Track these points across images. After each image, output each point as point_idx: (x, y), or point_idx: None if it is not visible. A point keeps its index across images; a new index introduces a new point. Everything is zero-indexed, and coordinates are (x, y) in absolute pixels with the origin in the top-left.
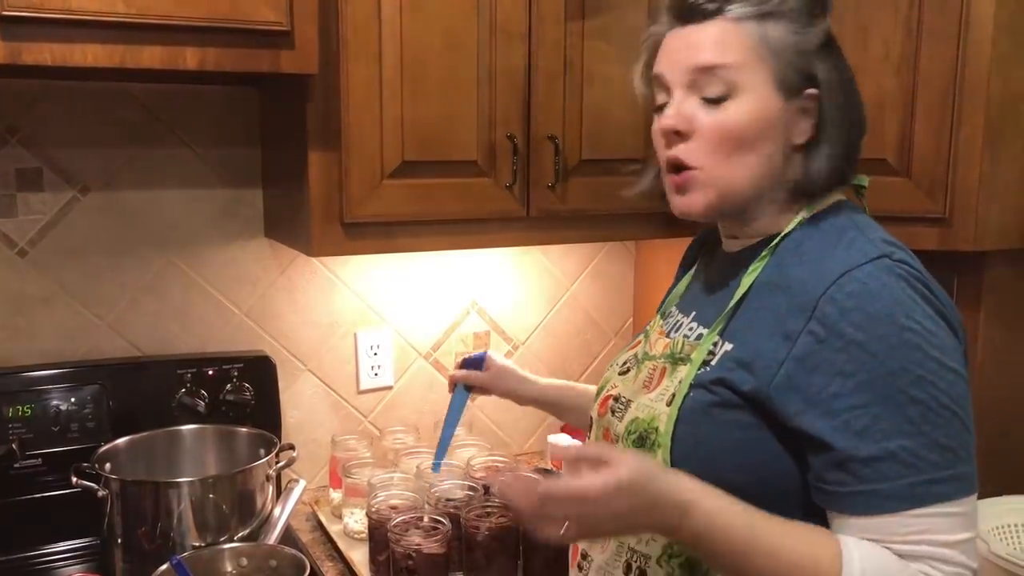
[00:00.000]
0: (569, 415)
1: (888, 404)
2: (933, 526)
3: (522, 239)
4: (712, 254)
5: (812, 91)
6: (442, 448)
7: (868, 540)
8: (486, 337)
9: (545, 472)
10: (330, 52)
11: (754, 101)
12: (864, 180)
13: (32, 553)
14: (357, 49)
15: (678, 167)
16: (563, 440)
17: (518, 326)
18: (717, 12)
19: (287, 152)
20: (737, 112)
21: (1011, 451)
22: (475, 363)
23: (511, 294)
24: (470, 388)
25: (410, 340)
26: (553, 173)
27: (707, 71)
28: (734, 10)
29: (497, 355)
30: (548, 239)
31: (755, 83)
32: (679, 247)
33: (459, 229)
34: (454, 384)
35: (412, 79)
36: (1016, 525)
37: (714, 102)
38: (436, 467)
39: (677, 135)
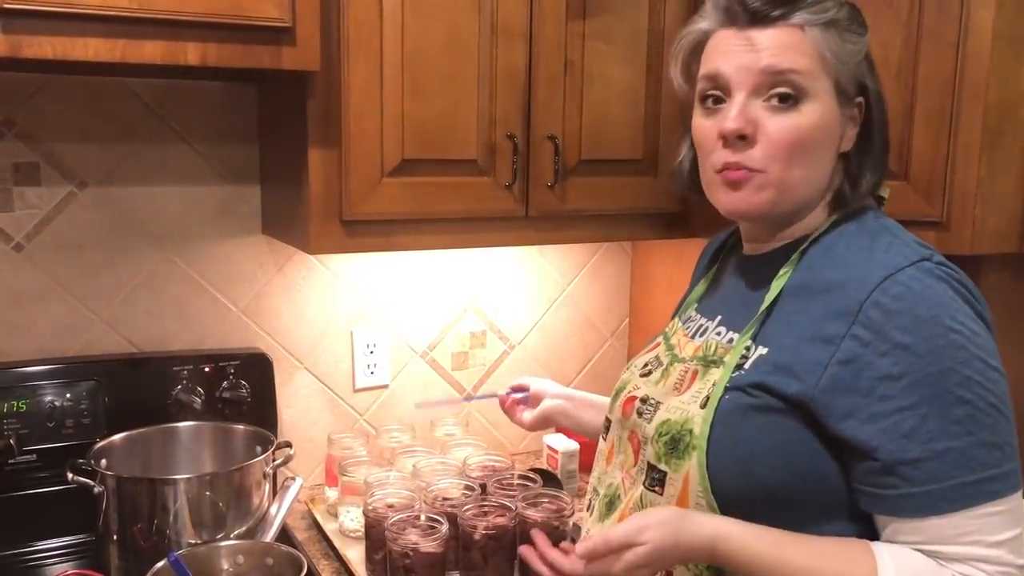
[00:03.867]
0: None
1: (935, 405)
2: (983, 526)
3: (521, 239)
4: (730, 258)
5: (860, 100)
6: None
7: (916, 544)
8: (483, 336)
9: (541, 473)
10: (331, 49)
11: (820, 107)
12: (885, 191)
13: (27, 549)
14: (358, 46)
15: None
16: (558, 441)
17: (514, 326)
18: (782, 18)
19: (286, 149)
20: (806, 118)
21: None
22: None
23: (508, 294)
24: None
25: (406, 339)
26: (552, 173)
27: (776, 75)
28: (799, 17)
29: (550, 398)
30: (547, 239)
31: (820, 90)
32: (676, 248)
33: (458, 228)
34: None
35: (413, 77)
36: None
37: (782, 107)
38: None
39: (741, 139)
